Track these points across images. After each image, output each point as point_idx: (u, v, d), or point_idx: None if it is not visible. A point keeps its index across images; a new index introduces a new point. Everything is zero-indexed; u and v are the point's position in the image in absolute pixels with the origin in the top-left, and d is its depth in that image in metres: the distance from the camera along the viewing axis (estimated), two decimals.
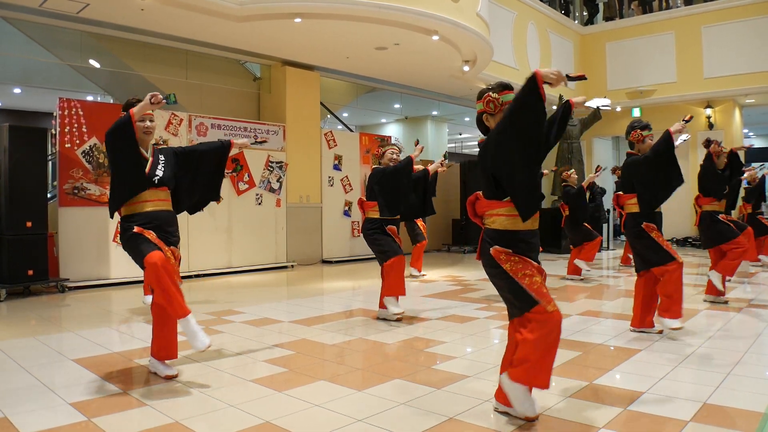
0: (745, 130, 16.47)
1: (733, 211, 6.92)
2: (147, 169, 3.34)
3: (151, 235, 3.29)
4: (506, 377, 2.60)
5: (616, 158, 16.29)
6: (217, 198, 3.91)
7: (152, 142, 3.52)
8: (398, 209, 4.98)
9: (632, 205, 4.31)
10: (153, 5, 6.79)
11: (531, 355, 2.51)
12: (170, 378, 3.33)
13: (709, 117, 12.57)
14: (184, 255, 8.03)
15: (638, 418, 2.65)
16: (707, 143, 5.46)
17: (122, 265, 7.34)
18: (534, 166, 2.54)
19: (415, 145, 5.03)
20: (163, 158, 3.46)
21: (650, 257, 4.24)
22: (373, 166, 5.21)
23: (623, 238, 13.77)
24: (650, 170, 4.16)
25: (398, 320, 4.91)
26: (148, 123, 3.39)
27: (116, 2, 6.73)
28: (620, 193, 4.47)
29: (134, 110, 3.22)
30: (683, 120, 4.08)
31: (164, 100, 3.21)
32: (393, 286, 4.88)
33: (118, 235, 3.47)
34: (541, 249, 2.84)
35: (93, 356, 3.85)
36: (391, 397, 2.99)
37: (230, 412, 2.82)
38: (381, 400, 2.96)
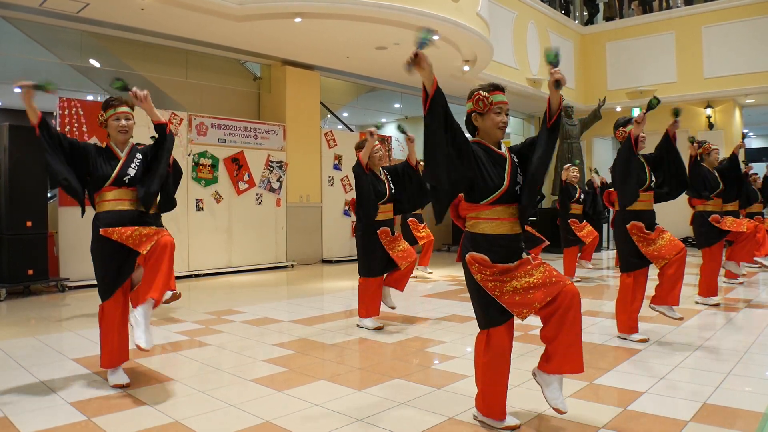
0: (745, 130, 16.48)
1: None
2: (117, 169, 3.26)
3: (118, 234, 3.18)
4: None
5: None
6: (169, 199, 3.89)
7: (131, 139, 3.41)
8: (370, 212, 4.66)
9: None
10: (153, 5, 6.79)
11: (480, 380, 2.57)
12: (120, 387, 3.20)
13: (709, 117, 12.57)
14: (184, 255, 8.03)
15: (638, 418, 2.65)
16: (695, 144, 5.41)
17: None
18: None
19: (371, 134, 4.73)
20: (140, 157, 3.38)
21: (627, 261, 4.15)
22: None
23: None
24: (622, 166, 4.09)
25: (378, 329, 4.68)
26: (123, 122, 3.31)
27: (116, 2, 6.73)
28: (611, 189, 4.43)
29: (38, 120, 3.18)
30: (642, 112, 3.91)
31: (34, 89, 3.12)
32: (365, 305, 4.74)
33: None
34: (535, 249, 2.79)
35: (93, 356, 3.85)
36: (391, 397, 2.99)
37: (230, 412, 2.82)
38: (381, 400, 2.96)
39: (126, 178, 3.27)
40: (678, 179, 4.25)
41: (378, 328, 4.63)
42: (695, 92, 12.31)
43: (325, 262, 9.94)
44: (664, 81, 12.49)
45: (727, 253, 5.91)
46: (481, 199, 2.51)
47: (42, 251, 6.58)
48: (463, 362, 3.65)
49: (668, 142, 4.19)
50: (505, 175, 2.52)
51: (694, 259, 9.58)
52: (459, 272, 8.54)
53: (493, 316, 2.51)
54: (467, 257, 2.54)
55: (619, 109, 13.22)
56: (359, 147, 4.80)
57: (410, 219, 7.95)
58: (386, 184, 4.77)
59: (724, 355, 3.70)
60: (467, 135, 2.50)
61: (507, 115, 2.60)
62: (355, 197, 4.78)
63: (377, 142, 4.78)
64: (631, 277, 4.15)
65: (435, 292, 6.63)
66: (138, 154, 3.38)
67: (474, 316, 2.64)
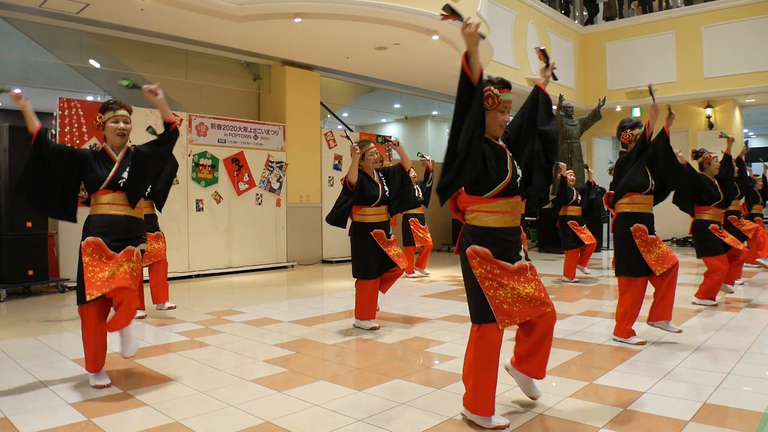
0: (745, 130, 16.49)
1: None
2: (112, 173, 3.24)
3: (98, 245, 3.16)
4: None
5: (616, 158, 16.28)
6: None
7: (127, 143, 3.39)
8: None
9: (623, 204, 4.16)
10: (153, 5, 6.79)
11: (469, 375, 2.59)
12: (101, 388, 3.18)
13: (709, 117, 12.57)
14: (185, 255, 8.03)
15: (638, 418, 2.65)
16: (696, 155, 5.42)
17: None
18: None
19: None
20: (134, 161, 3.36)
21: (627, 265, 4.09)
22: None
23: None
24: (626, 163, 4.10)
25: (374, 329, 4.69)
26: (121, 125, 3.31)
27: (116, 2, 6.73)
28: (611, 192, 4.35)
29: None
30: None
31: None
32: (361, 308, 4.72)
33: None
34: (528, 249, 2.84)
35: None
36: (391, 397, 2.99)
37: (230, 412, 2.82)
38: (381, 400, 2.96)
39: (120, 182, 3.26)
40: (671, 182, 4.19)
41: (374, 329, 4.62)
42: (695, 92, 12.31)
43: (325, 262, 9.94)
44: (664, 81, 12.48)
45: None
46: (484, 191, 2.53)
47: (42, 252, 6.59)
48: (462, 362, 3.64)
49: (665, 141, 4.09)
50: (508, 167, 2.56)
51: (694, 259, 9.58)
52: (459, 272, 8.53)
53: (486, 312, 2.51)
54: (468, 250, 2.54)
55: (619, 109, 13.22)
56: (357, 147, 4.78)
57: (412, 219, 7.93)
58: (380, 186, 4.74)
59: (724, 355, 3.70)
60: None
61: (509, 113, 2.64)
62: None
63: (371, 145, 4.80)
64: (629, 281, 4.08)
65: (435, 292, 6.63)
66: (131, 159, 3.34)
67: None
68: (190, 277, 8.01)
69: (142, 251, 3.44)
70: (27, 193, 3.21)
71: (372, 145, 4.79)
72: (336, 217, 4.69)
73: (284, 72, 9.52)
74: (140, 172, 3.30)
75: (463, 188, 2.62)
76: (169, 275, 7.71)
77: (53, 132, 7.14)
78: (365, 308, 4.68)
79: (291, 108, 9.55)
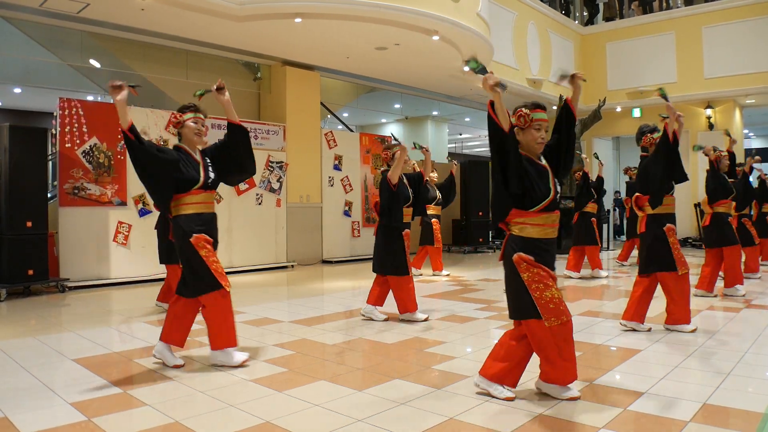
0: (746, 131, 16.48)
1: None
2: (203, 173, 3.56)
3: (207, 240, 3.55)
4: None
5: (616, 158, 16.30)
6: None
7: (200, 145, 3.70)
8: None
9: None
10: (153, 5, 6.79)
11: (542, 354, 2.84)
12: (177, 367, 3.53)
13: (709, 117, 12.57)
14: None
15: (638, 418, 2.65)
16: (704, 151, 5.77)
17: (122, 265, 7.35)
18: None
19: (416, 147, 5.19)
20: (208, 161, 3.68)
21: (659, 261, 4.33)
22: (383, 170, 5.15)
23: (623, 238, 13.77)
24: (655, 165, 4.27)
25: (386, 319, 5.00)
26: (200, 126, 3.66)
27: (116, 2, 6.73)
28: (639, 194, 4.50)
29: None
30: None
31: None
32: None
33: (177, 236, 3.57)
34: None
35: (93, 356, 3.86)
36: (391, 397, 2.99)
37: (230, 412, 2.82)
38: (381, 400, 2.96)
39: (210, 181, 3.56)
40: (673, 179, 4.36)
41: (426, 319, 4.90)
42: (695, 92, 12.31)
43: (325, 262, 9.93)
44: (665, 81, 12.47)
45: (707, 261, 6.00)
46: (531, 206, 2.82)
47: (42, 251, 6.59)
48: (463, 362, 3.65)
49: (673, 144, 4.21)
50: (551, 186, 2.86)
51: (694, 260, 9.59)
52: (459, 272, 8.54)
53: (529, 309, 2.80)
54: (515, 257, 2.83)
55: (619, 109, 13.22)
56: (388, 148, 5.12)
57: (434, 219, 8.19)
58: (409, 189, 5.08)
59: (724, 355, 3.70)
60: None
61: (546, 131, 2.87)
62: (378, 201, 5.05)
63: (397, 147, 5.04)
64: (649, 278, 4.37)
65: (435, 292, 6.63)
66: (206, 158, 3.64)
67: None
68: None
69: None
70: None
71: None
72: (395, 217, 4.92)
73: (284, 72, 9.52)
74: (221, 171, 3.69)
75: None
76: None
77: (53, 132, 7.14)
78: (412, 300, 4.91)
79: (291, 108, 9.55)
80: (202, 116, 3.67)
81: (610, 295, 6.37)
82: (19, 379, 3.38)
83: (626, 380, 3.23)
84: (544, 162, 2.93)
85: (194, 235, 3.44)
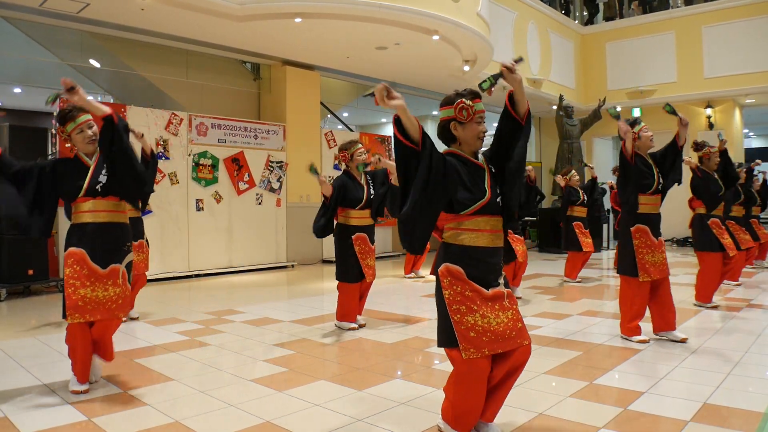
0: (745, 130, 16.48)
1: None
2: (88, 179, 3.15)
3: (80, 257, 3.09)
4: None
5: (616, 158, 16.28)
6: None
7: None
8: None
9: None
10: (153, 5, 6.79)
11: (449, 392, 2.43)
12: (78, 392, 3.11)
13: (709, 117, 12.57)
14: (185, 255, 8.03)
15: (638, 418, 2.65)
16: (697, 147, 5.43)
17: None
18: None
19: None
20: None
21: (622, 264, 4.14)
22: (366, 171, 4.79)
23: None
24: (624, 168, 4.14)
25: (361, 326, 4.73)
26: (89, 132, 3.27)
27: (116, 2, 6.73)
28: (616, 191, 4.42)
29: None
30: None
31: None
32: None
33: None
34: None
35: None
36: (391, 397, 2.99)
37: (230, 412, 2.82)
38: (381, 400, 2.96)
39: (98, 187, 3.12)
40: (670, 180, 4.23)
41: (352, 329, 4.61)
42: (695, 92, 12.30)
43: (325, 262, 9.93)
44: (664, 81, 12.49)
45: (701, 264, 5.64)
46: (461, 210, 2.33)
47: (42, 251, 6.59)
48: None
49: (677, 148, 4.13)
50: (486, 187, 2.36)
51: (694, 260, 9.58)
52: None
53: (451, 336, 2.32)
54: (441, 268, 2.36)
55: (619, 109, 13.18)
56: (343, 149, 4.73)
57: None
58: (365, 189, 4.61)
59: (724, 355, 3.70)
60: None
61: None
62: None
63: (360, 145, 4.69)
64: (629, 280, 4.10)
65: (433, 293, 6.61)
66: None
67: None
68: (190, 276, 8.00)
69: (129, 263, 3.29)
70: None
71: (360, 145, 4.70)
72: (319, 231, 4.60)
73: (284, 72, 9.52)
74: (113, 173, 3.14)
75: None
76: (169, 275, 7.77)
77: (53, 132, 7.14)
78: (345, 310, 4.67)
79: (291, 108, 9.55)
80: (88, 118, 3.30)
81: (609, 295, 6.37)
82: (19, 379, 3.38)
83: (626, 380, 3.23)
84: (481, 160, 2.45)
85: (69, 249, 3.10)
